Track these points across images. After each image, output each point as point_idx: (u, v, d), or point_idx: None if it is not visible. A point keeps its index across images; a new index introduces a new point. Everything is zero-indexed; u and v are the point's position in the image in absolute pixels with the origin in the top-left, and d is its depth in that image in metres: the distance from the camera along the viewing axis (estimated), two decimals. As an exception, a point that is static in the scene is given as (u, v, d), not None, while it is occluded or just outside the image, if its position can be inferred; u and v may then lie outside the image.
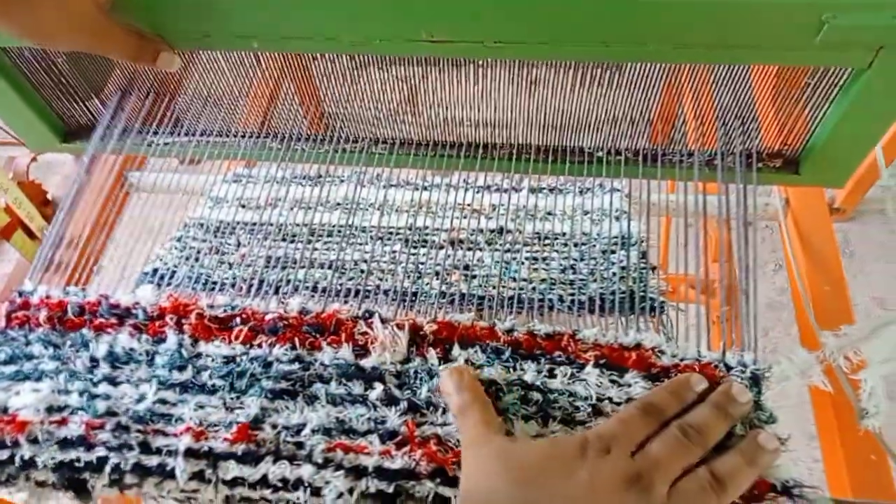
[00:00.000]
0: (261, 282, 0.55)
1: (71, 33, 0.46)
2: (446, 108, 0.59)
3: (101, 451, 0.42)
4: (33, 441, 0.43)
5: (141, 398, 0.44)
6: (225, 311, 0.48)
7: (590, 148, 0.59)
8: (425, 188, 0.73)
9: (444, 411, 0.43)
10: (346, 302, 0.54)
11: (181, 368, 0.45)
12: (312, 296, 0.53)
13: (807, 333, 0.66)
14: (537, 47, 0.47)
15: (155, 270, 0.64)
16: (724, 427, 0.38)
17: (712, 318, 0.64)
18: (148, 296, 0.50)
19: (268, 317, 0.47)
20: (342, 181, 0.76)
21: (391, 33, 0.48)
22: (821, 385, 0.49)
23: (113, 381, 0.45)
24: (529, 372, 0.43)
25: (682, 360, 0.43)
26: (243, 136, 0.64)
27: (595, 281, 0.59)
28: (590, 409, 0.42)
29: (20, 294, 0.51)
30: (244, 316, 0.48)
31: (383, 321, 0.46)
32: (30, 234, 0.88)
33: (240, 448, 0.41)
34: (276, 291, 0.55)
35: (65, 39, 0.47)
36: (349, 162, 0.62)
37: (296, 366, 0.45)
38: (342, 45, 0.50)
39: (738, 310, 0.46)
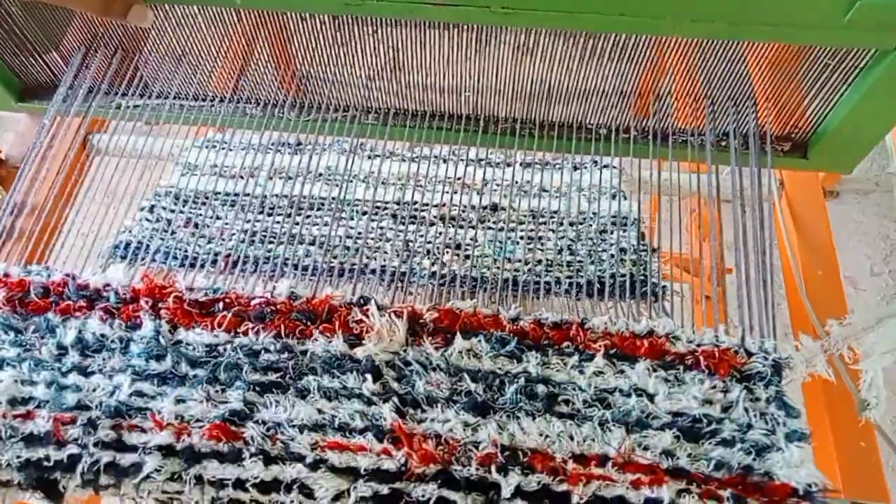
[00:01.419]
0: (242, 258, 0.51)
1: None
2: (438, 75, 0.56)
3: (72, 449, 0.38)
4: (-5, 437, 0.39)
5: (115, 390, 0.40)
6: (206, 294, 0.45)
7: (595, 125, 0.56)
8: (412, 159, 0.70)
9: (445, 407, 0.40)
10: (333, 283, 0.51)
11: (159, 358, 0.42)
12: (301, 275, 0.50)
13: (798, 316, 0.65)
14: (548, 16, 0.44)
15: (126, 244, 0.60)
16: None
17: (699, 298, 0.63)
18: (119, 276, 0.46)
19: (254, 302, 0.44)
20: (324, 150, 0.71)
21: (389, -7, 0.44)
22: (824, 374, 0.48)
23: (83, 371, 0.42)
24: (535, 363, 0.41)
25: (699, 345, 0.41)
26: (220, 101, 0.60)
27: (593, 263, 0.57)
28: (598, 403, 0.40)
29: (-25, 272, 0.47)
30: (227, 300, 0.44)
31: (380, 308, 0.43)
32: (-17, 198, 0.81)
33: (225, 446, 0.38)
34: (259, 269, 0.51)
35: None
36: (338, 133, 0.58)
37: (284, 356, 0.42)
38: (335, 4, 0.46)
39: (750, 292, 0.45)
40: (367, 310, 0.43)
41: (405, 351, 0.42)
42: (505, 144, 0.57)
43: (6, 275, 0.46)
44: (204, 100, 0.60)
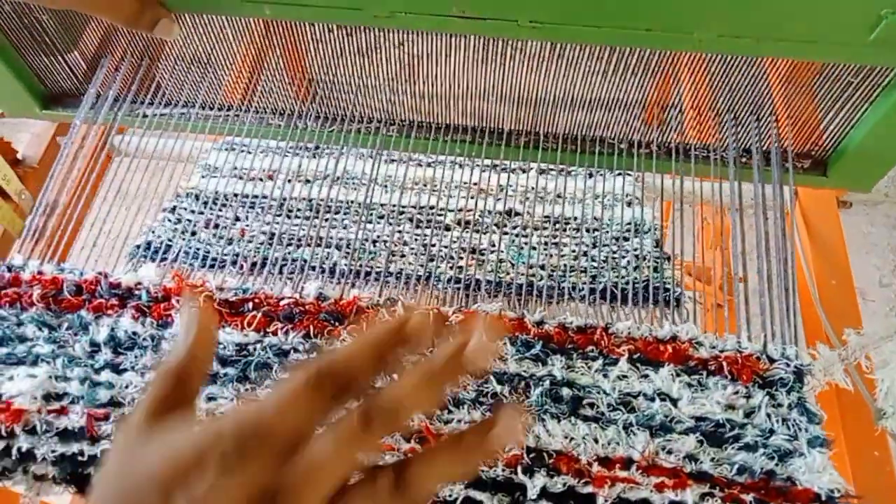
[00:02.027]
0: (264, 260, 0.52)
1: None
2: (461, 87, 0.56)
3: (105, 444, 0.39)
4: (31, 431, 0.40)
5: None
6: (236, 294, 0.46)
7: (617, 139, 0.57)
8: (429, 165, 0.71)
9: (471, 408, 0.41)
10: (353, 285, 0.52)
11: (191, 356, 0.43)
12: (329, 279, 0.51)
13: (811, 325, 0.66)
14: (575, 30, 0.44)
15: (148, 244, 0.61)
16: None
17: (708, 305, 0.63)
18: (151, 275, 0.47)
19: (283, 302, 0.45)
20: (342, 153, 0.72)
21: (419, 7, 0.45)
22: (842, 383, 0.49)
23: (116, 368, 0.43)
24: (560, 367, 0.42)
25: (722, 351, 0.42)
26: (245, 111, 0.61)
27: (612, 269, 0.58)
28: (622, 406, 0.41)
29: (9, 269, 0.48)
30: (257, 300, 0.45)
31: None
32: (4, 197, 0.82)
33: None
34: (281, 271, 0.52)
35: None
36: (362, 144, 0.59)
37: (314, 356, 0.42)
38: (364, 17, 0.46)
39: (772, 300, 0.45)
40: (395, 311, 0.44)
41: (431, 352, 0.43)
42: (528, 158, 0.58)
43: (40, 272, 0.47)
44: (229, 110, 0.61)
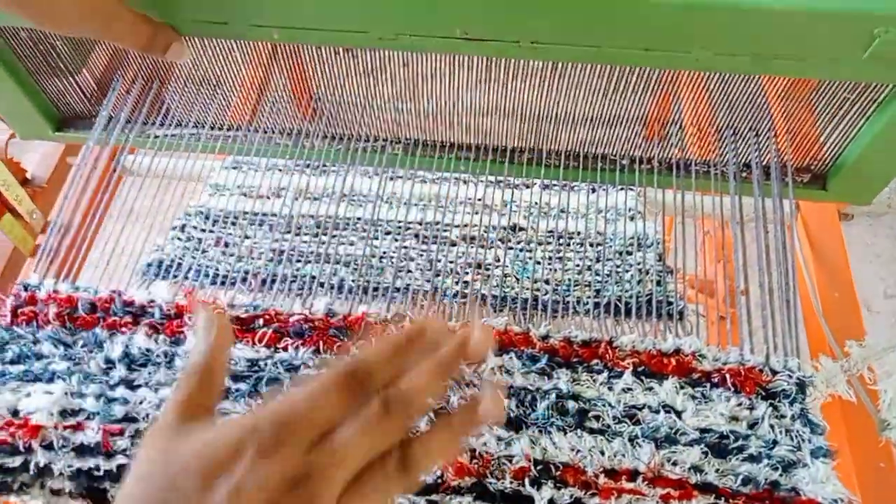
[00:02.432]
0: (273, 277, 0.53)
1: (82, 18, 0.43)
2: (465, 106, 0.58)
3: (120, 459, 0.40)
4: (48, 447, 0.41)
5: (161, 403, 0.42)
6: (247, 311, 0.46)
7: (619, 155, 0.58)
8: (434, 181, 0.72)
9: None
10: (361, 301, 0.53)
11: (203, 372, 0.43)
12: (337, 295, 0.52)
13: (815, 338, 0.66)
14: (575, 50, 0.45)
15: (160, 262, 0.62)
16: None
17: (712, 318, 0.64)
18: (164, 293, 0.48)
19: (293, 318, 0.46)
20: (348, 171, 0.73)
21: (423, 29, 0.46)
22: (845, 395, 0.49)
23: (130, 385, 0.43)
24: (565, 380, 0.43)
25: (725, 363, 0.42)
26: (255, 131, 0.62)
27: (615, 283, 0.58)
28: (627, 419, 0.41)
29: (25, 288, 0.49)
30: (267, 317, 0.46)
31: (414, 326, 0.45)
32: (16, 216, 0.84)
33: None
34: (290, 287, 0.53)
35: (75, 24, 0.44)
36: (368, 163, 0.61)
37: (324, 371, 0.43)
38: (370, 39, 0.48)
39: (773, 312, 0.46)
40: (403, 326, 0.45)
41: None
42: (531, 174, 0.59)
43: (55, 291, 0.48)
44: (237, 130, 0.62)
